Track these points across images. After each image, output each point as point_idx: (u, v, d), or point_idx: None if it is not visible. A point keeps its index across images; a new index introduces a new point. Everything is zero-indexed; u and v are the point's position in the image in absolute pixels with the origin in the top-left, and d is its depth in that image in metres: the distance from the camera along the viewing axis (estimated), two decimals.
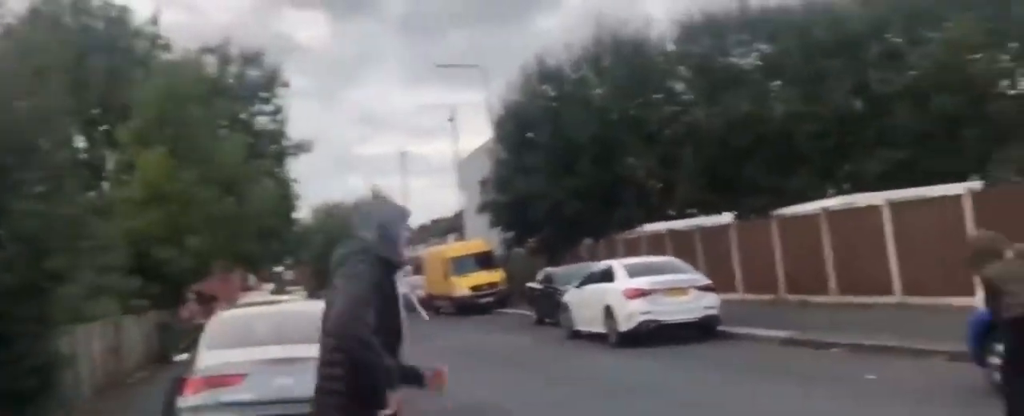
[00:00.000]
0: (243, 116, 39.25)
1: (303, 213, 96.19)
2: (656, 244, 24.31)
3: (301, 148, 40.71)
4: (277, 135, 40.07)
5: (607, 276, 16.05)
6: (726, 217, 24.50)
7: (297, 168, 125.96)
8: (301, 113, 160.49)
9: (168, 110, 27.30)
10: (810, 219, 18.37)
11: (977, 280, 7.08)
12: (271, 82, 39.20)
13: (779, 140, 29.14)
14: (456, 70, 66.20)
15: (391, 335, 3.56)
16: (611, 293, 15.38)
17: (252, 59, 38.97)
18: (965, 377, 8.50)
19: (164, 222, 26.28)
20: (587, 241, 30.67)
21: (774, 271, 19.11)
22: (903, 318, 13.75)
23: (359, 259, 3.62)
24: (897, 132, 28.21)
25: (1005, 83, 28.93)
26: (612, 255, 25.86)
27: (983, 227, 13.76)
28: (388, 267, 3.67)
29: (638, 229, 27.63)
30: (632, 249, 25.11)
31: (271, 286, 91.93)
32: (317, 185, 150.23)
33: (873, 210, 16.37)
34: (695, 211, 32.11)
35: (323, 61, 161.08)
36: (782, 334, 13.74)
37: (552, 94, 32.96)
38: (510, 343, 18.23)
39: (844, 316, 15.06)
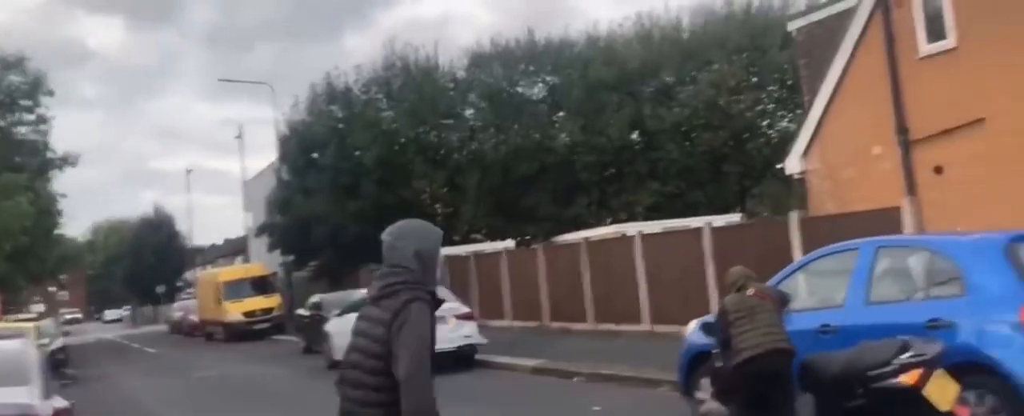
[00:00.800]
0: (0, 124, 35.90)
1: (75, 230, 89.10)
2: None
3: (67, 161, 37.72)
4: (39, 146, 36.89)
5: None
6: (498, 244, 24.80)
7: (69, 182, 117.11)
8: (90, 124, 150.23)
9: None
10: (572, 248, 18.87)
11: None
12: (34, 89, 36.07)
13: (561, 169, 30.09)
14: (257, 86, 63.61)
15: None
16: None
17: (13, 64, 35.73)
18: (681, 408, 8.77)
19: None
20: (372, 266, 30.14)
21: (539, 299, 19.44)
22: (648, 347, 14.28)
23: (412, 296, 3.59)
24: (667, 166, 29.86)
25: (764, 123, 31.33)
26: None
27: (718, 260, 14.62)
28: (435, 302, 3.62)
29: None
30: None
31: (40, 308, 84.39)
32: (106, 200, 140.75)
33: (627, 241, 17.00)
34: (480, 237, 32.50)
35: (119, 70, 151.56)
36: (533, 363, 13.89)
37: (339, 115, 32.34)
38: (267, 374, 17.44)
39: (596, 344, 15.46)
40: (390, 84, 32.11)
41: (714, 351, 6.99)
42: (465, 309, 15.38)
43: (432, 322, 3.67)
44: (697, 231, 15.17)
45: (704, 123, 29.72)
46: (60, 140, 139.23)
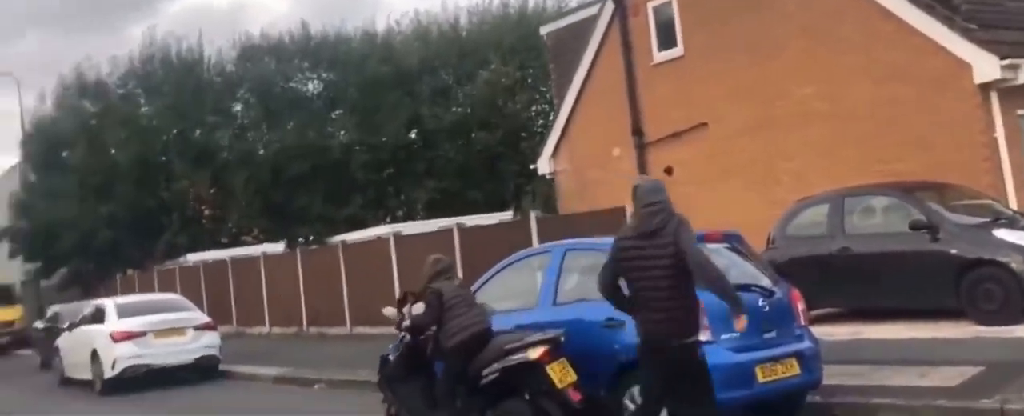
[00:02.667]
0: None
1: None
2: (191, 276, 22.90)
3: None
4: None
5: (99, 316, 14.53)
6: (255, 249, 23.85)
7: None
8: None
9: None
10: (330, 251, 18.42)
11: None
12: None
13: (335, 168, 29.43)
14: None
15: None
16: (98, 336, 13.91)
17: None
18: None
19: None
20: (129, 272, 28.20)
21: (298, 304, 18.83)
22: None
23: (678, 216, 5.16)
24: (444, 164, 29.97)
25: (539, 123, 32.16)
26: (149, 288, 23.94)
27: (466, 260, 14.69)
28: None
29: (179, 260, 25.93)
30: (167, 282, 23.41)
31: None
32: None
33: (382, 243, 16.78)
34: (251, 239, 31.19)
35: None
36: (274, 372, 13.37)
37: (92, 110, 30.03)
38: None
39: (349, 349, 15.10)
40: (149, 78, 30.18)
41: (403, 333, 7.29)
42: (204, 319, 14.59)
43: None
44: (447, 231, 15.17)
45: (481, 122, 30.10)
46: None
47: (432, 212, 28.59)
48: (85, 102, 30.20)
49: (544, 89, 31.62)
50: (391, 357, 7.53)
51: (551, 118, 32.14)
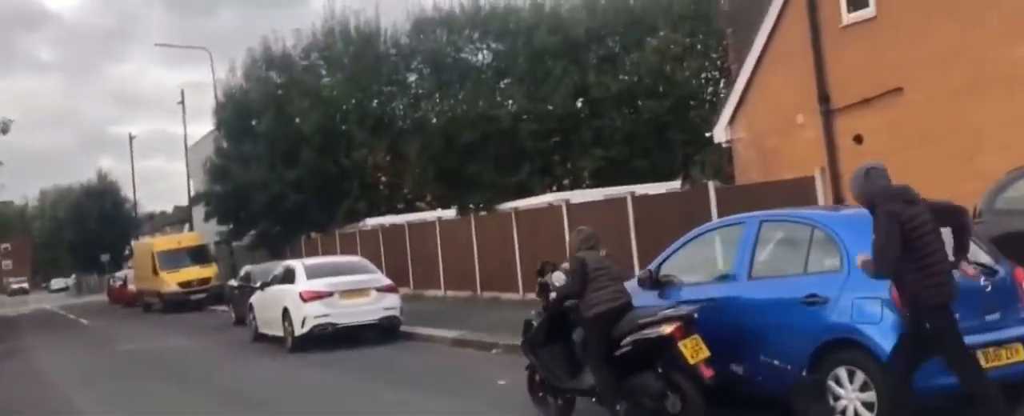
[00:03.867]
0: None
1: (16, 194, 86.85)
2: (371, 240, 23.89)
3: None
4: None
5: (289, 277, 15.39)
6: (431, 214, 24.54)
7: (21, 148, 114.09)
8: (47, 88, 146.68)
9: None
10: (503, 218, 18.67)
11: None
12: None
13: (505, 137, 29.85)
14: (215, 50, 62.06)
15: None
16: (289, 295, 14.75)
17: None
18: None
19: None
20: (313, 235, 29.79)
21: (472, 269, 19.26)
22: None
23: None
24: (611, 133, 29.73)
25: (708, 91, 31.30)
26: (332, 251, 25.20)
27: (640, 229, 14.52)
28: None
29: (359, 224, 27.12)
30: (348, 244, 24.55)
31: None
32: (62, 166, 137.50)
33: (555, 210, 16.84)
34: (424, 205, 32.20)
35: (78, 33, 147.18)
36: (453, 334, 13.73)
37: (278, 81, 31.69)
38: (192, 348, 17.10)
39: (522, 314, 15.25)
40: (330, 50, 31.48)
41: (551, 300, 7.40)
42: (387, 281, 15.16)
43: None
44: (621, 200, 15.03)
45: (648, 90, 29.64)
46: (15, 105, 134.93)
47: (598, 181, 28.49)
48: (272, 73, 31.83)
49: (714, 56, 30.74)
50: (534, 323, 7.75)
51: (722, 86, 31.50)
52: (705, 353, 6.30)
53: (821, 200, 11.37)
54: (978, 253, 6.06)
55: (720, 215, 12.85)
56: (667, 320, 6.38)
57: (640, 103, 29.81)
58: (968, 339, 5.38)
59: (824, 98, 13.81)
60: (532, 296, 17.23)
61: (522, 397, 8.30)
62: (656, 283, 7.21)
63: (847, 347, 5.72)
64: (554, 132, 31.09)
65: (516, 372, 10.24)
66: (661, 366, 6.50)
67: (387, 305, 14.59)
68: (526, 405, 8.08)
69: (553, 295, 7.40)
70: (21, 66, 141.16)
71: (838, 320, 5.76)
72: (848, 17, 13.33)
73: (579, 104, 31.12)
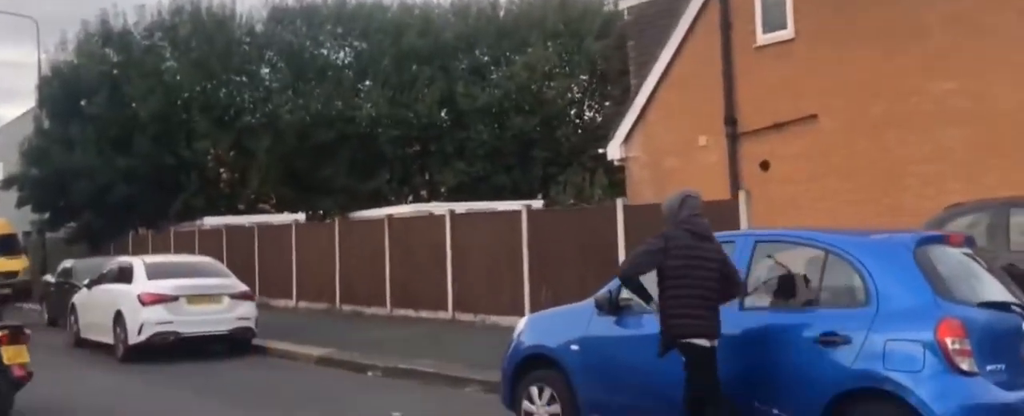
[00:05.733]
0: None
1: None
2: (212, 240, 21.65)
3: None
4: None
5: (125, 275, 13.25)
6: (286, 216, 22.62)
7: None
8: None
9: None
10: (373, 225, 17.12)
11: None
12: None
13: (362, 141, 28.24)
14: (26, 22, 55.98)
15: None
16: (124, 297, 12.64)
17: None
18: (493, 413, 7.39)
19: None
20: (142, 231, 26.94)
21: (332, 279, 17.58)
22: (451, 337, 12.87)
23: None
24: (475, 147, 28.71)
25: (572, 111, 30.91)
26: (164, 249, 22.69)
27: (534, 246, 13.43)
28: None
29: (198, 222, 24.69)
30: (185, 244, 22.15)
31: None
32: None
33: (437, 220, 15.51)
34: (268, 206, 29.98)
35: None
36: (319, 352, 12.11)
37: (115, 60, 28.72)
38: None
39: (393, 332, 13.89)
40: (176, 31, 28.83)
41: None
42: (242, 287, 13.31)
43: None
44: (515, 214, 13.91)
45: (516, 106, 28.88)
46: None
47: (458, 195, 27.37)
48: (108, 51, 28.90)
49: (582, 77, 30.51)
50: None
51: (586, 107, 31.37)
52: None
53: (744, 225, 10.65)
54: (1006, 291, 5.28)
55: (627, 234, 11.98)
56: None
57: (507, 118, 28.96)
58: (1019, 394, 4.53)
59: (731, 120, 13.24)
60: (402, 312, 15.89)
61: None
62: (615, 308, 6.07)
63: (875, 399, 4.77)
64: (416, 140, 29.82)
65: (407, 402, 8.85)
66: None
67: (240, 314, 12.77)
68: None
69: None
70: None
71: (865, 366, 4.80)
72: (763, 38, 12.83)
73: (444, 114, 29.94)
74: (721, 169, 13.20)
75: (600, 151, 15.95)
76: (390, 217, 16.81)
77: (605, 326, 6.12)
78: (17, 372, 8.39)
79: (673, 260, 5.37)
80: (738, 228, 10.54)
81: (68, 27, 51.07)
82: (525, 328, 6.73)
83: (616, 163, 15.53)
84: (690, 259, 5.36)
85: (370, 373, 10.81)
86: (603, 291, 6.22)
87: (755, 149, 12.96)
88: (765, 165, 12.74)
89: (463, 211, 15.85)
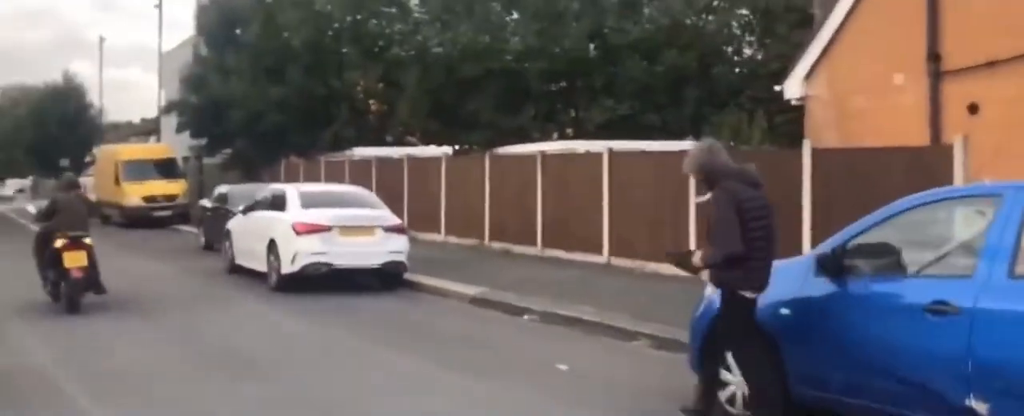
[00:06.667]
0: None
1: None
2: (362, 171, 21.63)
3: None
4: None
5: (278, 203, 13.12)
6: (435, 150, 22.31)
7: None
8: None
9: None
10: (524, 161, 16.46)
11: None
12: None
13: (509, 76, 27.60)
14: None
15: None
16: (278, 225, 12.50)
17: None
18: (676, 376, 6.63)
19: None
20: (293, 159, 27.41)
21: (481, 215, 17.12)
22: (607, 283, 12.14)
23: None
24: (624, 83, 27.57)
25: (731, 48, 29.19)
26: (315, 178, 22.93)
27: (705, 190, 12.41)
28: None
29: (347, 152, 24.80)
30: (335, 173, 22.25)
31: None
32: (36, 64, 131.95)
33: (594, 159, 14.66)
34: (414, 139, 29.93)
35: None
36: (472, 290, 11.64)
37: None
38: (158, 274, 14.82)
39: (544, 273, 13.29)
40: None
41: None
42: (395, 220, 12.95)
43: None
44: (680, 154, 12.88)
45: (669, 41, 27.44)
46: None
47: (604, 134, 26.39)
48: None
49: (742, 12, 28.69)
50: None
51: (747, 43, 29.53)
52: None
53: (959, 179, 9.33)
54: None
55: (816, 181, 10.87)
56: None
57: (659, 54, 27.56)
58: None
59: (934, 56, 11.74)
60: (553, 252, 15.29)
61: (601, 393, 6.31)
62: (839, 268, 5.14)
63: None
64: (562, 76, 28.87)
65: (572, 353, 8.20)
66: None
67: (393, 248, 12.42)
68: (613, 406, 6.08)
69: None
70: None
71: None
72: None
73: (592, 49, 28.83)
74: (918, 112, 11.79)
75: (777, 88, 14.61)
76: (543, 154, 16.09)
77: (824, 287, 5.22)
78: (75, 274, 10.35)
79: (742, 214, 5.25)
80: (950, 180, 9.25)
81: None
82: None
83: (793, 103, 14.24)
84: (753, 209, 5.29)
85: (526, 317, 10.24)
86: (824, 248, 5.29)
87: (960, 90, 11.45)
88: (974, 108, 11.26)
89: (624, 150, 14.91)
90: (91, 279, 10.54)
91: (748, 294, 5.28)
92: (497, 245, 16.59)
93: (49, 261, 10.57)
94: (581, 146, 16.78)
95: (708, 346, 5.77)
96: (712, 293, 5.78)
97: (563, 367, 7.54)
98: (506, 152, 17.93)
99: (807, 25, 21.23)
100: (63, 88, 63.93)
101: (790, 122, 20.76)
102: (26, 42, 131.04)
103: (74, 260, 10.29)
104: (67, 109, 61.48)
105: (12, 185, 79.18)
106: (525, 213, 15.74)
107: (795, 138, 19.00)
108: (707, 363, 5.72)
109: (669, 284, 10.83)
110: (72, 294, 10.36)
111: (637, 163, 13.86)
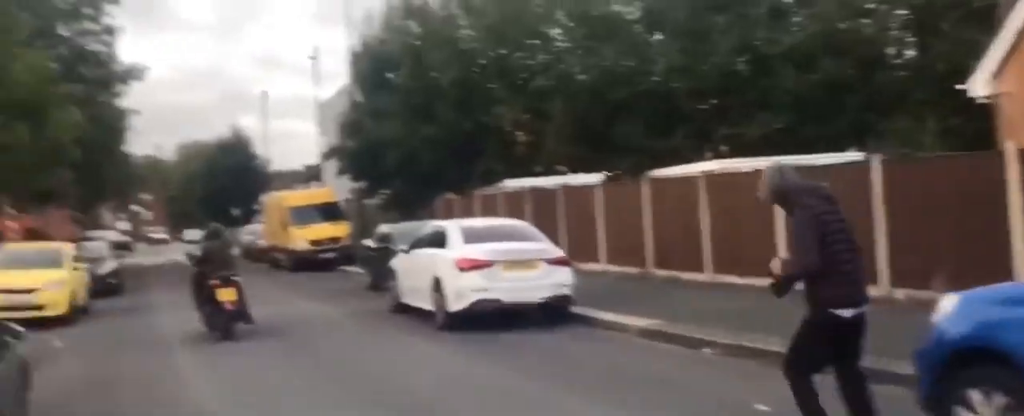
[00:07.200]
0: (66, 33, 34.09)
1: (165, 152, 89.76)
2: (515, 203, 21.53)
3: (132, 75, 35.92)
4: (102, 58, 35.08)
5: (440, 240, 13.07)
6: (591, 177, 21.95)
7: (166, 103, 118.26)
8: (196, 46, 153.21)
9: None
10: (687, 183, 15.84)
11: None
12: None
13: (657, 97, 27.03)
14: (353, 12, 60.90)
15: None
16: (442, 262, 12.42)
17: None
18: (902, 413, 5.91)
19: None
20: (448, 196, 27.76)
21: (642, 241, 16.57)
22: (791, 309, 11.28)
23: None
24: (779, 95, 26.43)
25: (891, 51, 27.53)
26: (468, 213, 23.01)
27: (892, 204, 11.46)
28: None
29: (499, 185, 24.85)
30: (488, 207, 22.26)
31: (124, 226, 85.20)
32: (205, 121, 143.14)
33: (759, 176, 13.85)
34: (564, 168, 29.79)
35: None
36: (644, 323, 11.12)
37: (415, 32, 29.72)
38: (327, 316, 15.10)
39: (718, 301, 12.63)
40: None
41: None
42: (558, 252, 12.65)
43: None
44: (860, 166, 12.01)
45: (824, 48, 26.12)
46: (161, 60, 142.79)
47: (762, 150, 25.29)
48: (410, 23, 29.96)
49: (900, 12, 27.00)
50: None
51: (910, 41, 27.74)
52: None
53: None
54: None
55: None
56: None
57: (814, 62, 26.26)
58: None
59: None
60: (726, 278, 14.56)
61: None
62: None
63: None
64: (713, 93, 28.02)
65: (767, 390, 7.55)
66: None
67: (558, 281, 12.11)
68: None
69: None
70: (174, 25, 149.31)
71: None
72: None
73: (742, 63, 27.85)
74: None
75: (958, 87, 13.45)
76: (707, 174, 15.43)
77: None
78: (228, 307, 12.21)
79: (822, 228, 5.29)
80: None
81: (374, 5, 54.79)
82: (954, 311, 5.18)
83: (979, 101, 13.05)
84: (833, 223, 5.35)
85: (706, 350, 9.64)
86: None
87: None
88: None
89: (796, 165, 14.04)
90: (240, 311, 12.39)
91: (844, 312, 5.33)
92: (662, 272, 15.99)
93: (205, 297, 12.53)
94: (743, 164, 15.98)
95: (942, 382, 5.07)
96: (942, 318, 5.10)
97: (763, 408, 6.93)
98: (665, 174, 17.36)
99: (974, 20, 19.67)
100: (231, 141, 68.23)
101: (966, 124, 19.25)
102: (198, 101, 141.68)
103: (226, 295, 12.27)
104: (236, 161, 65.50)
105: (190, 235, 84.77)
106: (690, 237, 15.10)
107: (973, 140, 17.55)
108: (942, 401, 5.02)
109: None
110: (226, 323, 12.22)
111: (810, 177, 12.99)
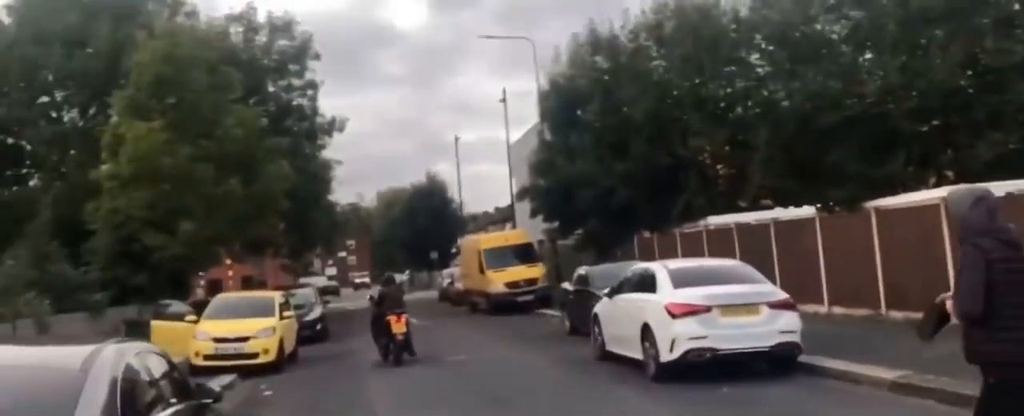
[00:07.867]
0: (272, 89, 36.18)
1: (359, 197, 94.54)
2: (721, 240, 20.27)
3: (334, 126, 37.58)
4: (306, 111, 36.93)
5: (647, 283, 12.12)
6: (807, 210, 20.30)
7: (369, 153, 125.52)
8: (395, 99, 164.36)
9: (167, 76, 24.22)
10: (920, 213, 14.07)
11: None
12: (301, 53, 35.98)
13: (871, 120, 24.93)
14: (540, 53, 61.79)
15: None
16: (651, 307, 11.46)
17: (281, 28, 35.78)
18: None
19: (155, 203, 23.23)
20: (647, 234, 26.76)
21: (873, 279, 14.88)
22: None
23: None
24: (1011, 112, 23.69)
25: None
26: (670, 252, 21.92)
27: None
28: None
29: (701, 222, 23.59)
30: (692, 246, 21.06)
31: (331, 272, 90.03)
32: (404, 170, 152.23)
33: (1011, 201, 12.03)
34: (769, 202, 28.10)
35: (421, 49, 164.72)
36: (890, 374, 9.65)
37: (604, 66, 29.12)
38: (530, 365, 14.45)
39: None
40: (661, 28, 28.31)
41: None
42: (782, 295, 11.38)
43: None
44: None
45: None
46: (365, 115, 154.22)
47: (993, 173, 22.60)
48: (598, 58, 29.41)
49: None
50: None
51: None
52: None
53: None
54: None
55: None
56: None
57: None
58: None
59: None
60: None
61: None
62: None
63: None
64: (935, 113, 25.52)
65: None
66: None
67: (783, 327, 10.85)
68: None
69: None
70: (375, 81, 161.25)
71: None
72: None
73: (968, 78, 25.23)
74: None
75: None
76: (946, 200, 13.63)
77: None
78: (399, 338, 15.25)
79: (992, 276, 4.64)
80: None
81: (561, 43, 55.33)
82: None
83: None
84: (1006, 272, 4.66)
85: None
86: None
87: None
88: None
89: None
90: (407, 342, 15.43)
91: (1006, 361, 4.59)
92: (897, 314, 14.23)
93: (382, 331, 15.64)
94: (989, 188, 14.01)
95: None
96: None
97: None
98: (893, 204, 15.60)
99: None
100: (427, 186, 70.71)
101: None
102: (396, 150, 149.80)
103: (398, 328, 15.33)
104: (433, 205, 67.74)
105: (397, 279, 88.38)
106: (930, 274, 13.32)
107: None
108: None
109: None
110: (398, 353, 15.23)
111: None
